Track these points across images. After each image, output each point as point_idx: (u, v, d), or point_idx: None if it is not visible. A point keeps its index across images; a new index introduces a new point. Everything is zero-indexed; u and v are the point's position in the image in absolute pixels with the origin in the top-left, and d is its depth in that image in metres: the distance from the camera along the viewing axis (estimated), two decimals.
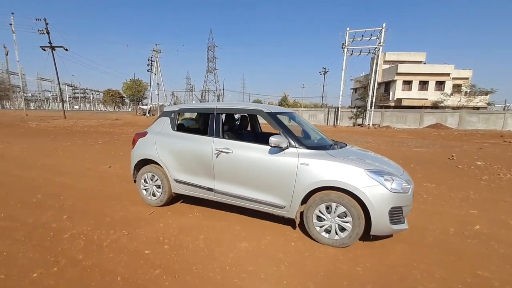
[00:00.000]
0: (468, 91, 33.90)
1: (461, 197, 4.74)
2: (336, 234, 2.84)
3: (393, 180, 2.68)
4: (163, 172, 3.81)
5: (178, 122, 3.97)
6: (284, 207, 3.05)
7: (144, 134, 4.04)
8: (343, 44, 29.67)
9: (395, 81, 36.27)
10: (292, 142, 3.01)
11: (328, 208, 2.85)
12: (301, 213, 3.06)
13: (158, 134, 3.90)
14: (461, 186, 5.52)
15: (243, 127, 4.51)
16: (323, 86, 47.02)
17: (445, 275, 2.38)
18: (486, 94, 33.89)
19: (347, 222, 2.76)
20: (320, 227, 2.91)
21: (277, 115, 3.33)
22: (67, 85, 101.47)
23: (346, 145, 3.55)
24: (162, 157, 3.76)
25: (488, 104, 34.28)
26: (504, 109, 35.15)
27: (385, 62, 38.33)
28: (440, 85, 35.90)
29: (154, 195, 3.95)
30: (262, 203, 3.18)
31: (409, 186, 2.75)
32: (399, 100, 36.11)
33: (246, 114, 4.51)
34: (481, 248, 2.90)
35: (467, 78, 36.32)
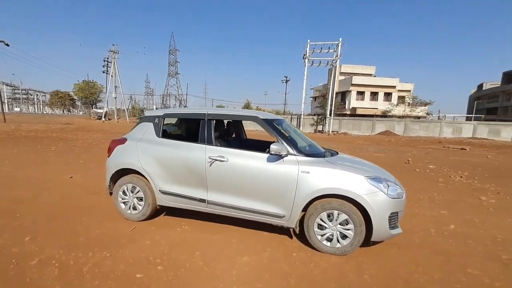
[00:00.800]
0: (411, 102, 38.07)
1: (428, 198, 5.19)
2: (338, 242, 2.85)
3: (389, 186, 2.79)
4: (146, 183, 3.46)
5: (163, 128, 3.66)
6: (284, 216, 2.97)
7: (122, 141, 3.64)
8: (304, 55, 31.14)
9: (350, 91, 39.16)
10: (291, 150, 2.97)
11: (329, 216, 2.85)
12: (300, 222, 3.01)
13: (140, 141, 3.54)
14: (424, 188, 6.06)
15: (229, 133, 4.35)
16: (285, 93, 48.62)
17: (443, 276, 2.54)
18: (425, 105, 38.41)
19: (348, 229, 2.79)
20: (322, 235, 2.90)
21: (273, 122, 3.27)
22: (6, 85, 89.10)
23: (337, 152, 3.63)
24: (145, 166, 3.42)
25: (427, 114, 38.92)
26: (439, 118, 40.20)
27: (341, 73, 41.20)
28: (388, 96, 39.73)
29: (135, 208, 3.56)
30: (260, 213, 3.06)
31: (402, 192, 2.90)
32: (354, 109, 38.99)
33: (231, 120, 4.37)
34: (462, 246, 3.17)
35: (409, 91, 40.79)
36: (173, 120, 4.41)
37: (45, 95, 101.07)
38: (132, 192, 3.55)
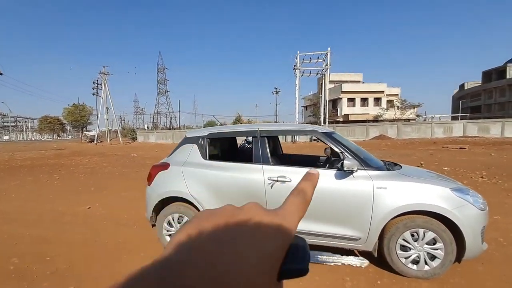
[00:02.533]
0: (400, 105, 39.01)
1: None
2: (426, 264, 2.59)
3: (474, 197, 2.58)
4: (196, 211, 3.13)
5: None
6: (360, 239, 2.70)
7: (165, 166, 3.31)
8: (294, 66, 31.64)
9: (341, 98, 39.82)
10: (361, 164, 2.74)
11: (413, 235, 2.60)
12: (379, 244, 2.74)
13: (186, 165, 3.23)
14: None
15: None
16: (276, 105, 48.97)
17: None
18: (414, 107, 39.44)
19: (437, 249, 2.54)
20: (406, 258, 2.63)
21: (333, 135, 3.05)
22: None
23: (398, 164, 3.42)
24: (194, 193, 3.09)
25: (417, 115, 39.95)
26: (425, 120, 41.28)
27: (330, 82, 41.98)
28: (377, 101, 40.61)
29: None
30: (332, 237, 2.78)
31: (485, 202, 2.69)
32: (346, 115, 39.56)
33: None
34: None
35: (397, 94, 41.89)
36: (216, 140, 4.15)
37: (33, 121, 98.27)
38: (179, 223, 3.20)
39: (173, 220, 3.20)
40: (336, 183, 2.72)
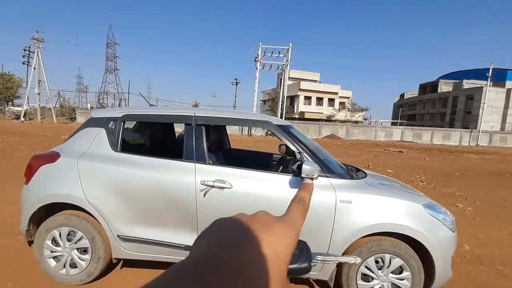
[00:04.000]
0: (351, 108, 41.46)
1: None
2: None
3: (445, 216, 2.18)
4: (95, 224, 2.20)
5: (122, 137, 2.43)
6: (315, 265, 2.11)
7: (52, 157, 2.28)
8: (256, 57, 30.97)
9: (298, 96, 40.66)
10: (322, 170, 2.13)
11: (377, 261, 2.10)
12: (337, 272, 2.18)
13: (85, 157, 2.25)
14: None
15: (211, 143, 3.29)
16: (235, 96, 47.95)
17: None
18: (363, 111, 42.30)
19: (403, 279, 2.08)
20: None
21: (290, 129, 2.39)
22: None
23: (359, 168, 2.93)
24: (94, 199, 2.16)
25: (364, 119, 42.95)
26: (371, 123, 44.79)
27: (289, 78, 42.52)
28: (331, 101, 42.52)
29: (74, 266, 2.25)
30: None
31: (454, 220, 2.32)
32: (302, 113, 40.58)
33: (210, 125, 3.33)
34: (501, 278, 2.78)
35: (349, 97, 44.44)
36: (130, 124, 3.16)
37: None
38: (69, 240, 2.23)
39: (60, 236, 2.22)
40: (290, 193, 2.07)
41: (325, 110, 41.76)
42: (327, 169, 2.16)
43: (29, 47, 36.05)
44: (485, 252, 3.28)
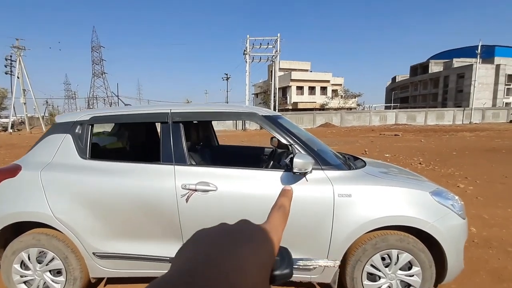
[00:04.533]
0: (343, 95, 41.29)
1: None
2: None
3: (454, 202, 1.98)
4: (67, 242, 1.96)
5: (92, 142, 2.17)
6: (315, 268, 1.91)
7: (13, 170, 2.01)
8: (244, 50, 30.47)
9: (290, 86, 40.31)
10: (317, 162, 1.91)
11: (384, 258, 1.90)
12: (340, 274, 1.98)
13: (49, 168, 1.99)
14: None
15: (198, 140, 3.05)
16: (227, 91, 47.39)
17: None
18: (355, 97, 42.18)
19: (413, 275, 1.89)
20: None
21: (278, 119, 2.16)
22: None
23: (358, 157, 2.71)
24: (62, 215, 1.91)
25: (358, 105, 42.89)
26: (365, 108, 44.78)
27: (280, 69, 42.08)
28: (324, 90, 42.27)
29: None
30: None
31: (463, 205, 2.13)
32: (295, 103, 40.30)
33: (195, 122, 3.08)
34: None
35: (341, 84, 44.21)
36: (108, 127, 2.90)
37: None
38: (39, 262, 1.99)
39: (28, 258, 1.98)
40: None
41: (318, 99, 41.52)
42: (322, 161, 1.94)
43: (11, 56, 34.95)
44: (493, 234, 3.12)
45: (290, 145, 1.96)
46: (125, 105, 2.86)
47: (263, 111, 2.12)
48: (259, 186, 1.88)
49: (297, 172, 1.75)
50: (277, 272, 0.30)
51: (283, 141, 1.98)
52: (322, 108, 39.52)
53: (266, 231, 0.31)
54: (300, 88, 41.03)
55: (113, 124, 2.95)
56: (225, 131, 27.27)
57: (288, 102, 41.05)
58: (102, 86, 68.66)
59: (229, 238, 0.28)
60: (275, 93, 31.72)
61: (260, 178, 1.92)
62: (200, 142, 3.02)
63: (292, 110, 39.24)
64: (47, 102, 61.71)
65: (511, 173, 6.24)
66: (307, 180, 1.85)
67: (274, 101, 31.54)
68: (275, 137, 2.38)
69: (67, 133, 2.08)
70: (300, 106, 39.84)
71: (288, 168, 1.85)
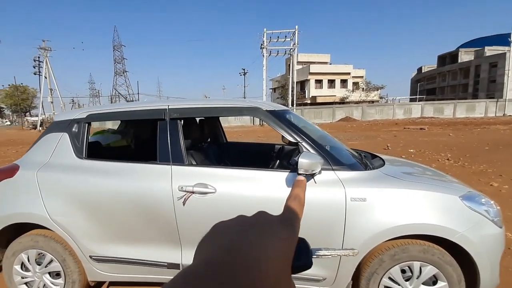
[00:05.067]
0: (365, 87, 39.77)
1: None
2: None
3: (489, 207, 1.69)
4: (64, 244, 1.90)
5: (90, 141, 2.10)
6: (324, 279, 1.71)
7: (11, 170, 1.98)
8: (261, 44, 30.06)
9: (309, 80, 39.42)
10: (328, 162, 1.70)
11: (404, 271, 1.66)
12: (352, 287, 1.77)
13: (45, 168, 1.94)
14: None
15: (202, 138, 2.91)
16: (244, 87, 47.23)
17: None
18: (378, 89, 40.49)
19: None
20: None
21: (285, 114, 1.96)
22: None
23: (376, 154, 2.44)
24: (58, 217, 1.85)
25: (381, 97, 41.17)
26: (388, 101, 42.87)
27: (298, 63, 41.23)
28: (344, 83, 40.96)
29: None
30: None
31: (499, 211, 1.82)
32: (314, 97, 39.44)
33: (202, 118, 2.94)
34: None
35: (362, 76, 42.60)
36: (109, 125, 2.83)
37: None
38: (39, 264, 1.96)
39: (28, 260, 1.94)
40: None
41: (338, 92, 40.30)
42: (333, 161, 1.72)
43: (38, 57, 36.87)
44: None
45: (297, 142, 1.76)
46: (127, 101, 2.76)
47: (266, 105, 1.92)
48: (262, 188, 1.70)
49: (303, 174, 1.55)
50: (297, 263, 0.29)
51: (290, 138, 1.78)
52: (342, 101, 38.34)
53: (285, 222, 0.32)
54: (319, 82, 40.00)
55: (119, 121, 2.90)
56: (242, 127, 27.23)
57: (306, 96, 40.23)
58: (124, 84, 71.13)
59: (251, 228, 0.28)
60: (293, 87, 31.14)
61: (263, 179, 1.74)
62: (205, 139, 2.88)
63: (311, 104, 38.43)
64: (73, 101, 65.03)
65: None
66: (315, 182, 1.64)
67: (292, 96, 30.97)
68: None
69: (64, 132, 2.01)
70: (319, 100, 38.92)
71: (295, 168, 1.65)
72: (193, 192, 1.72)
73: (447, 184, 1.80)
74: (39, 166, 1.93)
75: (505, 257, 2.40)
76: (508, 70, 32.66)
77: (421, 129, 17.66)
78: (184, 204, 1.72)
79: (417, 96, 47.83)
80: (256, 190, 1.70)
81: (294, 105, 31.31)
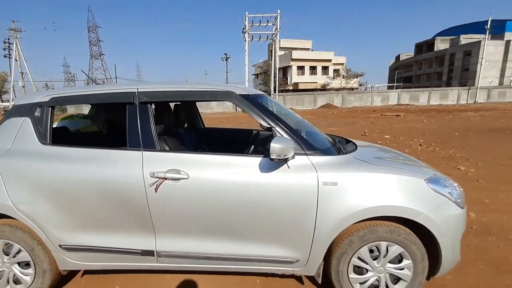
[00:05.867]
0: (345, 74, 40.31)
1: None
2: None
3: (452, 189, 1.80)
4: (32, 234, 1.82)
5: (55, 126, 1.98)
6: (297, 261, 1.77)
7: None
8: (243, 28, 29.32)
9: (291, 66, 39.33)
10: (301, 147, 1.72)
11: (372, 251, 1.75)
12: (325, 266, 1.84)
13: (7, 155, 1.82)
14: None
15: (178, 124, 2.83)
16: (227, 72, 46.33)
17: None
18: (357, 76, 41.19)
19: (403, 268, 1.74)
20: (362, 283, 1.80)
21: (259, 99, 1.94)
22: None
23: (349, 139, 2.49)
24: (23, 205, 1.76)
25: (360, 85, 41.99)
26: (367, 89, 43.85)
27: (280, 48, 40.82)
28: (325, 69, 41.26)
29: (18, 282, 1.91)
30: (255, 261, 1.80)
31: (462, 193, 1.94)
32: (296, 84, 39.53)
33: (179, 103, 2.85)
34: None
35: (343, 64, 43.05)
36: (76, 109, 2.67)
37: None
38: (7, 254, 1.87)
39: None
40: (261, 179, 1.67)
41: (319, 79, 40.61)
42: (306, 145, 1.73)
43: (8, 39, 34.29)
44: (493, 220, 2.97)
45: (271, 127, 1.75)
46: (96, 84, 2.61)
47: (240, 89, 1.89)
48: (235, 173, 1.70)
49: (276, 159, 1.55)
50: None
51: (263, 123, 1.77)
52: (324, 88, 38.75)
53: None
54: (301, 68, 40.01)
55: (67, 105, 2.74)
56: (224, 113, 26.92)
57: (288, 83, 40.22)
58: (101, 68, 67.57)
59: None
60: (275, 74, 30.94)
61: (236, 164, 1.73)
62: (181, 125, 2.80)
63: (293, 91, 38.53)
64: (46, 85, 60.87)
65: None
66: (288, 167, 1.66)
67: (274, 82, 30.83)
68: None
69: (26, 117, 1.88)
70: (301, 86, 39.08)
71: (266, 155, 1.66)
72: (165, 178, 1.69)
73: (414, 168, 1.88)
74: (1, 153, 1.81)
75: (467, 236, 2.60)
76: (482, 58, 34.17)
77: (397, 116, 18.29)
78: (156, 191, 1.69)
79: (395, 84, 49.19)
80: (229, 175, 1.69)
81: (277, 91, 31.24)
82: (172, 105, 2.76)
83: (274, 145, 1.52)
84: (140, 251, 1.80)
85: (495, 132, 9.50)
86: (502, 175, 4.61)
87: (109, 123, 2.81)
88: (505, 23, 45.10)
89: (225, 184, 1.68)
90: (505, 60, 42.72)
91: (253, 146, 2.31)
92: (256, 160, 1.71)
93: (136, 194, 1.71)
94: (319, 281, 1.84)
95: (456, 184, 1.87)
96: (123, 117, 1.86)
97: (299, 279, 2.10)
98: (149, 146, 1.77)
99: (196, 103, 3.28)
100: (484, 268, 2.17)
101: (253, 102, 1.82)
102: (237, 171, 1.71)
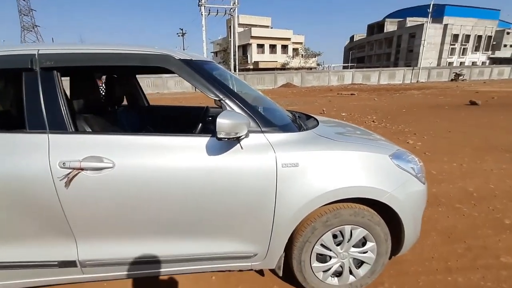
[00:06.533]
0: (304, 53, 40.72)
1: None
2: (352, 274, 1.68)
3: (414, 164, 1.70)
4: None
5: None
6: (256, 255, 1.55)
7: None
8: (199, 1, 27.30)
9: (251, 44, 38.34)
10: (256, 123, 1.43)
11: (335, 236, 1.60)
12: (286, 257, 1.65)
13: None
14: None
15: (112, 100, 2.33)
16: (183, 49, 43.36)
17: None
18: (315, 56, 41.93)
19: (366, 251, 1.63)
20: (325, 271, 1.66)
21: (205, 66, 1.58)
22: None
23: (309, 115, 2.28)
24: None
25: (318, 64, 42.90)
26: (324, 68, 45.14)
27: (239, 25, 39.30)
28: (284, 48, 41.12)
29: None
30: (208, 259, 1.53)
31: (423, 167, 1.88)
32: (256, 62, 38.87)
33: (114, 75, 2.34)
34: (461, 218, 2.60)
35: (301, 43, 43.31)
36: None
37: None
38: None
39: None
40: (208, 164, 1.37)
41: (279, 58, 40.45)
42: (262, 121, 1.45)
43: None
44: (441, 190, 3.12)
45: (220, 100, 1.43)
46: None
47: (181, 54, 1.50)
48: (177, 158, 1.36)
49: (224, 138, 1.25)
50: None
51: (210, 95, 1.44)
52: (283, 68, 38.77)
53: None
54: (261, 46, 39.27)
55: None
56: (183, 93, 25.38)
57: (249, 61, 39.36)
58: (35, 42, 58.42)
59: None
60: (234, 51, 29.86)
61: (178, 147, 1.39)
62: (117, 101, 2.31)
63: (254, 69, 37.88)
64: None
65: (453, 127, 6.61)
66: (242, 148, 1.37)
67: (234, 60, 29.81)
68: None
69: None
70: (261, 65, 38.56)
71: (214, 134, 1.34)
72: (81, 169, 1.28)
73: (377, 143, 1.75)
74: None
75: None
76: (424, 40, 37.03)
77: (351, 94, 19.09)
78: (68, 185, 1.28)
79: (349, 64, 51.40)
80: (168, 161, 1.35)
81: (237, 70, 30.35)
82: (104, 78, 2.23)
83: (222, 121, 1.21)
84: (57, 262, 1.41)
85: (435, 108, 10.39)
86: (444, 147, 4.97)
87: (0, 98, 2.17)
88: (444, 8, 49.17)
89: (162, 173, 1.34)
90: (442, 42, 47.11)
91: (201, 124, 1.95)
92: (203, 141, 1.39)
93: (43, 192, 1.28)
94: (280, 273, 1.66)
95: (417, 159, 1.79)
96: (19, 88, 1.36)
97: (259, 271, 1.91)
98: (57, 127, 1.33)
99: (137, 76, 2.76)
100: (437, 238, 2.22)
101: (197, 69, 1.46)
102: (179, 155, 1.37)
